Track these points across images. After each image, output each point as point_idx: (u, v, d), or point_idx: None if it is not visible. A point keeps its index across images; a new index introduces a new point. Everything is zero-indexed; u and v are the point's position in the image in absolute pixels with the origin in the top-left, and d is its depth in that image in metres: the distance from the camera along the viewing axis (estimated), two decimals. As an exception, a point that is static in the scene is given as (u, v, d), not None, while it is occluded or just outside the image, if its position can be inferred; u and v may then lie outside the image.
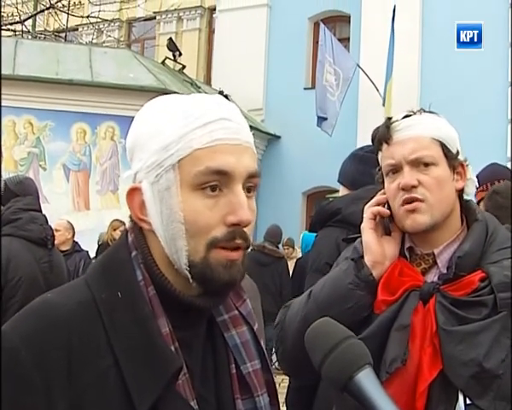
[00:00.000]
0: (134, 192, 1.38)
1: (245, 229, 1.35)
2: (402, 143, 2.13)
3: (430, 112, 2.21)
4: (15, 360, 1.23)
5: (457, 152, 2.16)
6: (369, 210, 2.22)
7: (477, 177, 3.72)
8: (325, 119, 15.40)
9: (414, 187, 2.09)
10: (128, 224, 1.45)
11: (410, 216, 2.11)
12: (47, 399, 1.22)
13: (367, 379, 1.34)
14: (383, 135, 2.18)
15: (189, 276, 1.34)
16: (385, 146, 2.18)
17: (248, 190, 1.37)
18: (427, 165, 2.10)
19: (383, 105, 14.86)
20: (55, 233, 5.96)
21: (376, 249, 2.17)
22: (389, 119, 2.20)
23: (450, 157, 2.13)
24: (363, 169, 3.35)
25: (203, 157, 1.31)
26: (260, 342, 1.50)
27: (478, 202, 3.75)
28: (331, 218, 3.42)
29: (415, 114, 2.18)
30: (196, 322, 1.41)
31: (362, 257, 2.19)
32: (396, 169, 2.15)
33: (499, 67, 15.70)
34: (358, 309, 2.12)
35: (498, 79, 15.64)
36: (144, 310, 1.32)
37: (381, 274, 2.14)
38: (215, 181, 1.32)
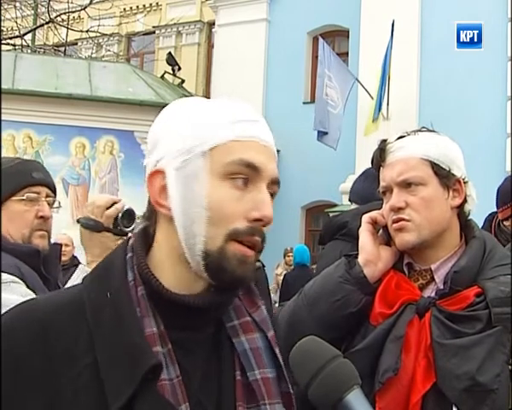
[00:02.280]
0: (156, 175, 1.38)
1: (264, 228, 1.37)
2: (392, 166, 2.17)
3: (429, 130, 2.23)
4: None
5: (450, 170, 2.14)
6: (368, 215, 2.26)
7: (498, 192, 3.70)
8: (325, 133, 15.40)
9: (401, 208, 2.13)
10: (138, 229, 1.47)
11: (398, 235, 2.14)
12: (22, 397, 1.24)
13: (357, 400, 1.33)
14: (376, 158, 2.23)
15: (202, 264, 1.34)
16: (381, 168, 2.22)
17: (270, 196, 1.40)
18: (415, 185, 2.12)
19: (378, 114, 14.85)
20: (65, 249, 5.91)
21: (370, 249, 2.19)
22: (384, 141, 2.23)
23: (442, 175, 2.13)
24: (373, 185, 3.37)
25: (236, 149, 1.35)
26: (275, 350, 1.46)
27: (503, 220, 3.69)
28: (338, 231, 3.44)
29: (409, 134, 2.20)
30: (198, 324, 1.40)
31: (356, 257, 2.21)
32: (388, 191, 2.19)
33: (499, 66, 15.69)
34: (345, 303, 2.14)
35: (498, 78, 15.64)
36: (128, 309, 1.31)
37: (373, 274, 2.16)
38: (245, 174, 1.35)
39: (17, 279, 2.47)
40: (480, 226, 2.55)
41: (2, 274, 2.41)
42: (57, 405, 1.24)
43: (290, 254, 13.22)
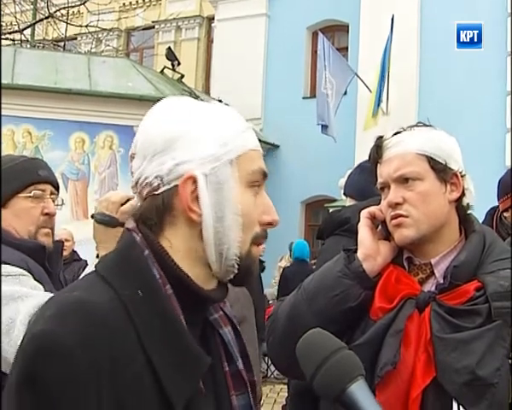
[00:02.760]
0: (187, 181, 1.38)
1: None
2: (388, 162, 2.17)
3: (425, 125, 2.24)
4: (71, 363, 1.20)
5: (447, 164, 2.14)
6: (367, 210, 2.27)
7: (499, 184, 3.77)
8: (326, 126, 15.41)
9: (398, 204, 2.13)
10: (129, 223, 1.44)
11: (396, 230, 2.15)
12: (98, 399, 1.22)
13: (360, 391, 1.34)
14: (373, 155, 2.23)
15: (235, 267, 1.41)
16: (378, 165, 2.23)
17: None
18: (412, 180, 2.13)
19: (378, 111, 14.85)
20: (66, 243, 5.94)
21: (370, 244, 2.19)
22: (380, 137, 2.24)
23: (439, 170, 2.13)
24: (371, 180, 3.37)
25: (255, 158, 1.45)
26: (243, 340, 1.55)
27: (504, 211, 3.75)
28: (339, 226, 3.44)
29: (405, 130, 2.21)
30: (202, 319, 1.45)
31: (355, 251, 2.22)
32: (385, 187, 2.20)
33: (499, 66, 15.69)
34: (345, 298, 2.14)
35: (497, 74, 15.63)
36: (167, 308, 1.33)
37: (372, 269, 2.16)
38: (260, 181, 1.45)
39: (25, 272, 2.52)
40: (481, 221, 2.55)
41: (11, 267, 2.48)
42: (124, 405, 1.24)
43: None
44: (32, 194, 2.72)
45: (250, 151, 1.43)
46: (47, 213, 2.76)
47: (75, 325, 1.24)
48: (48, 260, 2.75)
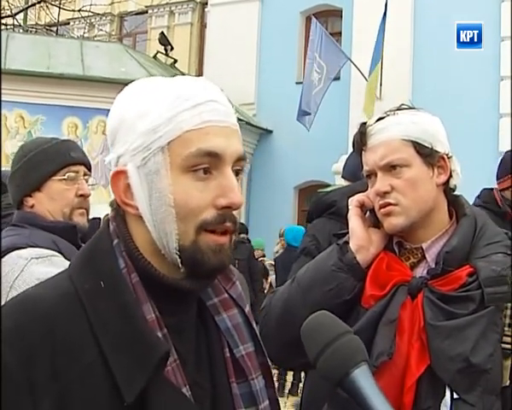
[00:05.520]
0: (119, 176, 1.34)
1: (234, 212, 1.34)
2: (373, 150, 2.15)
3: (410, 107, 2.21)
4: (1, 356, 1.20)
5: (433, 147, 2.13)
6: (355, 198, 2.25)
7: (499, 166, 3.90)
8: (309, 113, 15.33)
9: (386, 192, 2.12)
10: (110, 212, 1.42)
11: (386, 219, 2.13)
12: (31, 398, 1.20)
13: (363, 376, 1.33)
14: (357, 142, 2.21)
15: (179, 261, 1.32)
16: (362, 152, 2.21)
17: (236, 173, 1.36)
18: (399, 167, 2.11)
19: (377, 104, 14.84)
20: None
21: (362, 234, 2.18)
22: (363, 124, 2.21)
23: (425, 154, 2.11)
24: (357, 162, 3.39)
25: (194, 139, 1.30)
26: (252, 324, 1.48)
27: (502, 191, 3.89)
28: (327, 209, 3.44)
29: (388, 115, 2.18)
30: (185, 307, 1.39)
31: (348, 243, 2.20)
32: (372, 174, 2.18)
33: (498, 66, 15.71)
34: (339, 291, 2.13)
35: (491, 59, 15.63)
36: (127, 297, 1.29)
37: (365, 260, 2.15)
38: (206, 163, 1.31)
39: (56, 253, 2.55)
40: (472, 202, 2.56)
41: (42, 250, 2.53)
42: (68, 401, 1.21)
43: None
44: (65, 176, 2.74)
45: (186, 133, 1.30)
46: (81, 195, 2.78)
47: (9, 322, 1.24)
48: (84, 239, 2.74)
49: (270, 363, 1.51)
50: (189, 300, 1.41)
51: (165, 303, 1.34)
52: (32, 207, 2.74)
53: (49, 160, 2.73)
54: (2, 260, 2.48)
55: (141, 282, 1.32)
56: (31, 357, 1.21)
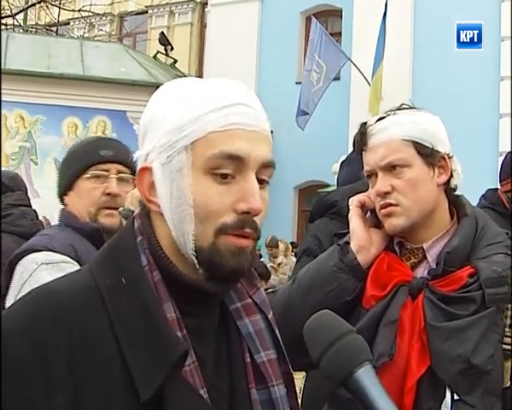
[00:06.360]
0: (144, 172, 1.35)
1: (255, 218, 1.32)
2: (374, 150, 2.14)
3: (410, 107, 2.21)
4: (14, 348, 1.20)
5: (433, 147, 2.12)
6: (356, 198, 2.24)
7: (501, 167, 3.90)
8: (307, 113, 15.34)
9: (387, 193, 2.11)
10: (137, 209, 1.43)
11: (387, 220, 2.13)
12: (46, 390, 1.19)
13: (367, 376, 1.32)
14: (358, 142, 2.20)
15: (196, 261, 1.31)
16: (363, 152, 2.20)
17: (261, 182, 1.34)
18: (399, 168, 2.10)
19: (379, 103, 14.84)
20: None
21: (362, 235, 2.17)
22: (364, 124, 2.20)
23: (426, 154, 2.11)
24: (357, 166, 3.38)
25: (218, 141, 1.29)
26: (276, 331, 1.47)
27: (505, 192, 3.84)
28: (329, 209, 3.45)
29: (388, 115, 2.17)
30: (206, 309, 1.38)
31: (348, 243, 2.19)
32: (372, 174, 2.17)
33: (498, 66, 15.72)
34: (340, 292, 2.12)
35: (492, 59, 15.64)
36: (148, 295, 1.29)
37: (366, 260, 2.14)
38: (228, 166, 1.29)
39: (67, 259, 2.51)
40: (475, 202, 2.55)
41: (54, 255, 2.49)
42: (83, 395, 1.21)
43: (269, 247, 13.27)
44: (89, 174, 2.70)
45: (210, 134, 1.29)
46: (109, 194, 2.71)
47: (27, 313, 1.25)
48: None
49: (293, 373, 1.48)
50: (211, 303, 1.39)
51: (186, 304, 1.33)
52: (67, 206, 2.76)
53: (76, 160, 2.73)
54: (20, 261, 2.49)
55: (162, 280, 1.32)
56: (46, 350, 1.21)
